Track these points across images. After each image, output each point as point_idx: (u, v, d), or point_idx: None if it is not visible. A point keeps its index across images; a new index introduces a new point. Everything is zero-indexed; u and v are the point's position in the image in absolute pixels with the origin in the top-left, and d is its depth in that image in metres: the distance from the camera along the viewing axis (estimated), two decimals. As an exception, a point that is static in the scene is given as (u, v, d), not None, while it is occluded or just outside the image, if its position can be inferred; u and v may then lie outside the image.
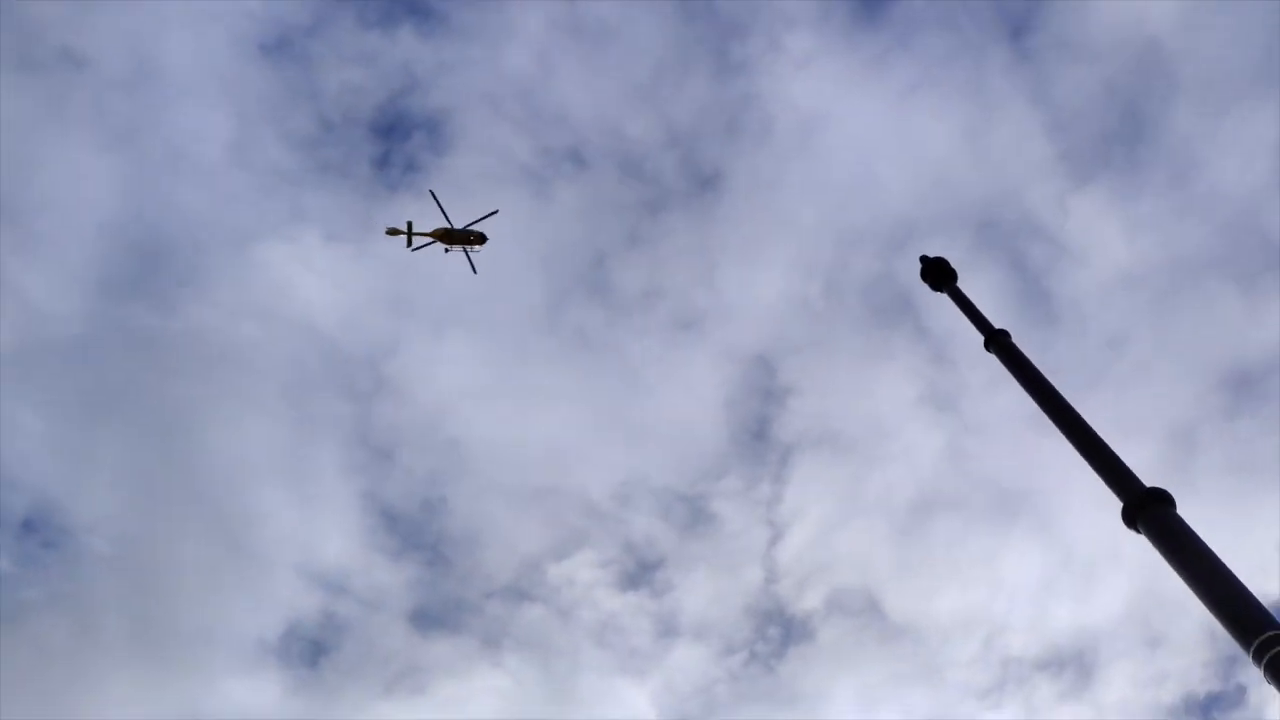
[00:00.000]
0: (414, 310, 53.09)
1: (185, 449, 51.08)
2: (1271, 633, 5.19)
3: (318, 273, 50.33)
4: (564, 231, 54.51)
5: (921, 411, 53.15)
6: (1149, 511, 5.90)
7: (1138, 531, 5.97)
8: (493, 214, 33.37)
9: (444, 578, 52.36)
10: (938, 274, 8.41)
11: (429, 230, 33.47)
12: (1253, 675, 5.28)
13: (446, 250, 33.78)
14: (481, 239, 33.54)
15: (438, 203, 33.18)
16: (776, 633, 51.05)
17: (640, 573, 52.96)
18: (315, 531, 52.31)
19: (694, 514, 53.57)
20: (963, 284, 8.34)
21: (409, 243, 33.42)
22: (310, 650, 50.21)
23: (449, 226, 33.40)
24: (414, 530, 52.34)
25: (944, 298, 8.36)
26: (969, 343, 7.97)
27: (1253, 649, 5.23)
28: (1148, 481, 6.11)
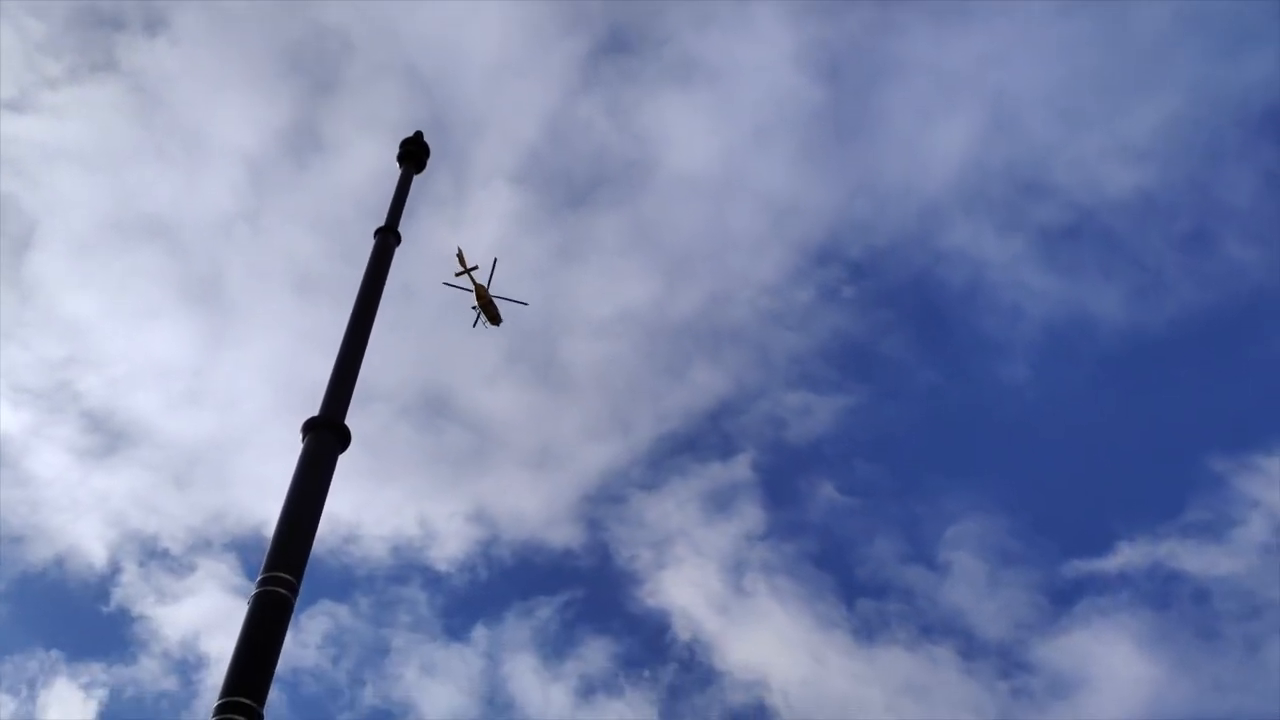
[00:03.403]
0: None
1: None
2: (274, 573, 5.45)
3: None
4: None
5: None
6: (326, 434, 6.08)
7: (302, 439, 6.08)
8: (524, 304, 33.12)
9: None
10: (414, 153, 8.28)
11: (476, 280, 32.83)
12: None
13: (473, 307, 32.87)
14: (498, 320, 32.99)
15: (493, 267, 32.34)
16: None
17: None
18: None
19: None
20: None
21: (463, 269, 32.02)
22: None
23: (487, 288, 32.78)
24: None
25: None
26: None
27: (259, 580, 5.49)
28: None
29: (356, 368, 6.54)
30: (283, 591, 5.32)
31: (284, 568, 5.42)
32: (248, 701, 4.82)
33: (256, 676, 4.96)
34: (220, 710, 4.76)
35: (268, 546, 5.62)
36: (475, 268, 35.37)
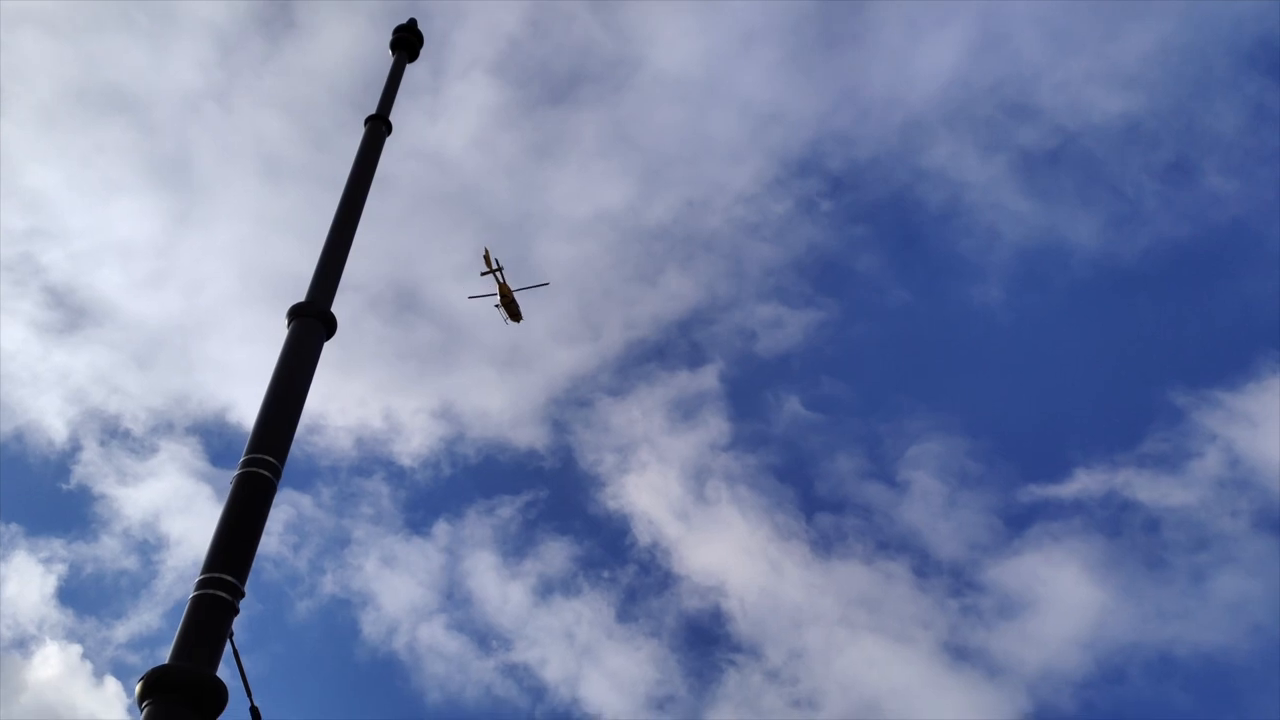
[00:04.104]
0: None
1: None
2: (257, 455, 5.49)
3: None
4: None
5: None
6: (312, 321, 6.06)
7: (288, 325, 6.06)
8: (543, 285, 35.29)
9: None
10: (409, 40, 8.08)
11: (502, 279, 34.81)
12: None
13: (496, 305, 34.83)
14: (518, 316, 34.63)
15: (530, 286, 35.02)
16: None
17: None
18: None
19: None
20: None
21: (488, 269, 34.58)
22: None
23: (510, 287, 34.88)
24: None
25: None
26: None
27: (243, 461, 5.51)
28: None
29: (344, 257, 6.48)
30: (265, 474, 5.36)
31: (267, 450, 5.45)
32: (229, 578, 4.90)
33: (239, 555, 5.03)
34: (203, 585, 4.84)
35: (230, 431, 5.68)
36: (500, 268, 35.62)
